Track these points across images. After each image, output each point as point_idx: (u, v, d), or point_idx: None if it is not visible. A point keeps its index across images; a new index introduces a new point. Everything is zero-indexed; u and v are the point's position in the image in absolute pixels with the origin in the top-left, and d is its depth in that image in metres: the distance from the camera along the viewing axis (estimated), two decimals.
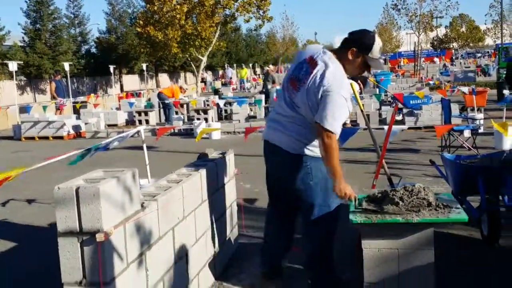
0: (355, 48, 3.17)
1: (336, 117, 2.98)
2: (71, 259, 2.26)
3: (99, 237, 2.18)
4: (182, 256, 3.15)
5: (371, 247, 3.09)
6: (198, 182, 3.48)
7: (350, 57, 3.18)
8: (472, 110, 11.82)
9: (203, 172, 3.58)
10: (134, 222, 2.50)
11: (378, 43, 3.19)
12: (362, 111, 5.05)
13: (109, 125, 15.33)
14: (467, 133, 9.32)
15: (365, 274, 3.11)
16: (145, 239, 2.62)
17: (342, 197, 3.13)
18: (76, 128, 14.05)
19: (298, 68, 3.22)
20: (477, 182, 4.09)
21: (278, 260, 3.70)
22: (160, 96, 15.80)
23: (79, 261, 2.25)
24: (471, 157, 4.96)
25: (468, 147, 8.32)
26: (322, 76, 3.05)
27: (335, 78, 3.05)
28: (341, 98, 3.00)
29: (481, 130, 8.98)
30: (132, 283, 2.46)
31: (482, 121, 9.99)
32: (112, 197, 2.30)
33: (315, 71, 3.09)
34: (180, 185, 3.17)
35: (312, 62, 3.16)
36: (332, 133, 2.99)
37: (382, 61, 3.47)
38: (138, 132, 5.66)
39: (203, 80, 36.09)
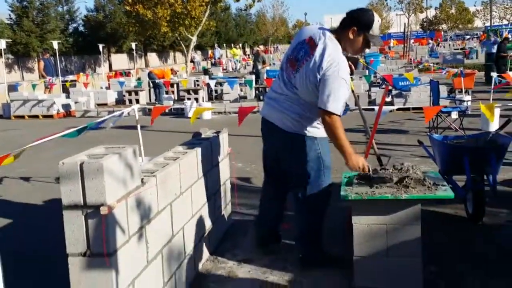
0: (356, 27, 3.24)
1: (336, 98, 3.08)
2: (75, 232, 2.35)
3: (103, 210, 2.27)
4: (179, 231, 3.26)
5: (361, 223, 3.22)
6: (194, 160, 3.58)
7: (351, 36, 3.26)
8: (460, 92, 11.98)
9: (198, 150, 3.67)
10: (135, 197, 2.59)
11: (377, 20, 3.29)
12: (352, 91, 5.12)
13: (98, 104, 15.30)
14: (454, 115, 9.48)
15: (355, 248, 3.24)
16: (145, 214, 2.72)
17: (357, 170, 3.27)
18: (66, 107, 14.02)
19: (298, 49, 3.29)
20: (463, 162, 4.23)
21: (273, 227, 3.92)
22: (150, 75, 15.78)
23: (83, 233, 2.35)
24: (459, 137, 5.10)
25: (455, 128, 8.49)
26: (321, 57, 3.13)
27: (334, 60, 3.13)
28: (340, 79, 3.09)
29: (468, 112, 9.12)
30: (133, 255, 2.57)
31: (469, 103, 10.15)
32: (115, 172, 2.39)
33: (315, 53, 3.16)
34: (177, 162, 3.26)
35: (311, 43, 3.23)
36: (334, 114, 3.09)
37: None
38: (128, 112, 5.73)
39: (192, 60, 35.91)
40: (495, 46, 18.75)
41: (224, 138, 4.41)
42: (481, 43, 23.10)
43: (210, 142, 3.99)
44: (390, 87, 13.04)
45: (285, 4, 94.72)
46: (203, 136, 4.22)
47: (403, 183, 3.20)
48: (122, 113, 5.38)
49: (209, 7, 27.88)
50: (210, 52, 45.89)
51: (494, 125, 8.37)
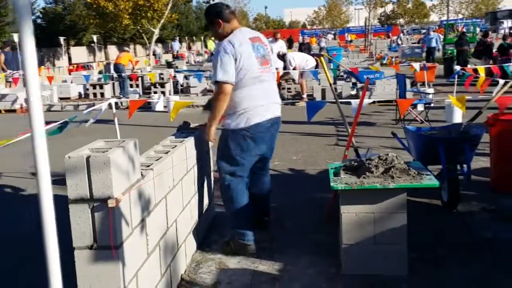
0: (221, 20, 3.78)
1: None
2: (81, 225, 2.37)
3: (111, 203, 2.31)
4: (172, 223, 3.30)
5: (349, 212, 3.35)
6: (183, 153, 3.62)
7: (219, 28, 3.79)
8: (422, 85, 12.37)
9: (187, 143, 3.72)
10: (137, 190, 2.63)
11: (226, 9, 3.86)
12: (330, 84, 5.26)
13: (61, 98, 14.98)
14: (420, 107, 9.80)
15: (344, 236, 3.38)
16: (145, 206, 2.76)
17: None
18: None
19: (256, 50, 3.77)
20: (439, 152, 4.43)
21: (261, 215, 4.25)
22: (118, 67, 15.42)
23: (89, 226, 2.37)
24: (431, 129, 5.32)
25: (421, 120, 8.78)
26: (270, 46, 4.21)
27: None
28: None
29: (432, 104, 9.44)
30: (136, 247, 2.61)
31: (432, 96, 10.51)
32: (120, 165, 2.43)
33: (267, 45, 3.99)
34: (170, 155, 3.30)
35: (259, 40, 3.92)
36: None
37: None
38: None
39: (154, 53, 35.46)
40: (434, 41, 19.83)
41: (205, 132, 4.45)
42: (422, 39, 24.13)
43: (195, 135, 4.03)
44: (354, 80, 13.35)
45: None
46: (189, 127, 4.24)
47: (389, 173, 3.35)
48: (101, 108, 5.34)
49: None
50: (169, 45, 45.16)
51: (457, 117, 8.74)
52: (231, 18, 3.81)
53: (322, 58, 4.96)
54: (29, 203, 5.36)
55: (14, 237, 4.47)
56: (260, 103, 3.72)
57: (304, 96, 13.14)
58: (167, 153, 3.37)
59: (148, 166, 3.00)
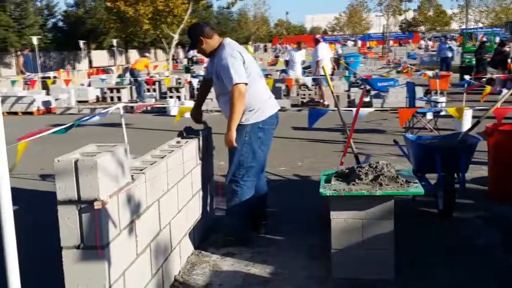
0: (202, 37, 4.04)
1: None
2: (69, 225, 2.49)
3: (97, 204, 2.42)
4: (166, 225, 3.41)
5: (338, 218, 3.42)
6: (179, 158, 3.73)
7: (202, 44, 4.06)
8: (436, 93, 12.32)
9: (184, 148, 3.82)
10: (126, 193, 2.74)
11: (205, 26, 4.13)
12: (332, 92, 5.32)
13: (79, 101, 15.27)
14: (429, 116, 9.77)
15: (333, 241, 3.44)
16: (135, 209, 2.87)
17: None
18: (46, 104, 13.95)
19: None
20: (435, 161, 4.47)
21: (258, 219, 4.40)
22: (133, 72, 15.73)
23: (77, 227, 2.49)
24: (433, 137, 5.35)
25: (430, 128, 8.77)
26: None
27: None
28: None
29: (443, 113, 9.41)
30: (124, 248, 2.71)
31: (444, 104, 10.47)
32: (107, 169, 2.54)
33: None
34: (165, 160, 3.41)
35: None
36: None
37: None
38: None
39: (173, 58, 35.82)
40: (448, 50, 19.40)
41: (209, 137, 4.56)
42: (437, 48, 23.70)
43: (196, 140, 4.14)
44: (367, 90, 13.35)
45: (267, 4, 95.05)
46: (191, 132, 4.34)
47: (378, 180, 3.41)
48: (107, 111, 5.49)
49: (191, 4, 27.91)
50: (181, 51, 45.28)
51: (466, 126, 8.69)
52: (212, 34, 4.09)
53: (324, 65, 5.04)
54: (36, 204, 5.54)
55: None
56: (267, 97, 4.11)
57: (326, 102, 13.10)
58: (163, 157, 3.49)
59: (141, 170, 3.11)
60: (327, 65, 11.86)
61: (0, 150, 1.42)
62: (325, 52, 13.26)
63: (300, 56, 14.40)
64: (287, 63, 16.17)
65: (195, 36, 4.07)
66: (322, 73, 12.58)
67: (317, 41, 13.39)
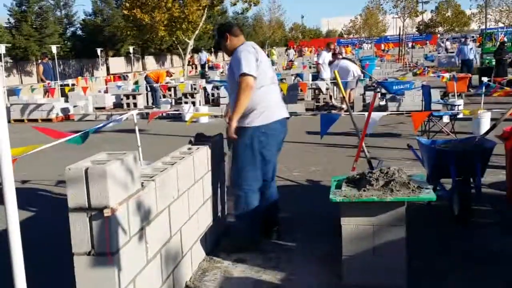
0: (228, 34, 4.12)
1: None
2: (80, 232, 2.53)
3: (107, 212, 2.46)
4: (176, 232, 3.43)
5: (349, 224, 3.41)
6: (190, 164, 3.76)
7: (227, 41, 4.12)
8: (453, 96, 12.18)
9: (195, 155, 3.85)
10: (136, 200, 2.77)
11: (234, 25, 4.27)
12: (343, 97, 5.32)
13: (97, 108, 15.46)
14: (446, 119, 9.67)
15: (344, 247, 3.43)
16: (145, 216, 2.90)
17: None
18: (65, 111, 14.19)
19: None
20: (449, 165, 4.42)
21: (270, 225, 4.40)
22: (147, 79, 15.96)
23: (88, 234, 2.53)
24: (447, 141, 5.28)
25: (446, 132, 8.67)
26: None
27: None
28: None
29: (460, 116, 9.30)
30: (134, 254, 2.75)
31: (461, 107, 10.34)
32: (117, 177, 2.57)
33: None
34: (175, 167, 3.44)
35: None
36: None
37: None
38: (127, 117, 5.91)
39: (190, 63, 36.05)
40: (471, 52, 18.70)
41: (220, 142, 4.58)
42: (457, 49, 22.99)
43: (208, 146, 4.17)
44: (383, 91, 13.26)
45: (282, 8, 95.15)
46: (202, 138, 4.38)
47: (389, 186, 3.39)
48: (121, 117, 5.56)
49: (206, 11, 28.08)
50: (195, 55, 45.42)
51: (484, 129, 8.58)
52: (238, 34, 4.16)
53: (336, 71, 5.04)
54: (53, 210, 5.63)
55: (33, 243, 4.70)
56: (275, 103, 4.07)
57: (344, 107, 13.00)
58: (173, 164, 3.52)
59: (151, 177, 3.14)
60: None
61: (4, 154, 1.46)
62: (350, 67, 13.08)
63: (326, 57, 14.13)
64: (318, 65, 14.99)
65: (222, 32, 4.14)
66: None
67: (335, 56, 13.41)
